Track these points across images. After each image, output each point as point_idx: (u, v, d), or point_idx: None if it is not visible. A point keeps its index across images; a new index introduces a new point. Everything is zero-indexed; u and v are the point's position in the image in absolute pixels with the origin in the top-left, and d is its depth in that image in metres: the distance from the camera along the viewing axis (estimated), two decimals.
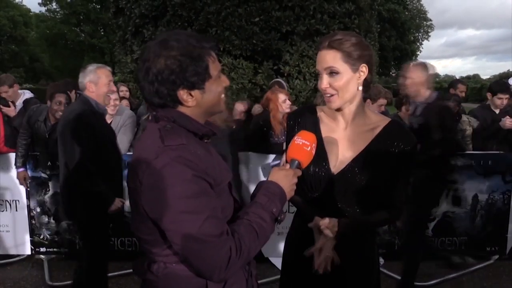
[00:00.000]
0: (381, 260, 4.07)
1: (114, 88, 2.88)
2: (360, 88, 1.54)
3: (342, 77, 1.49)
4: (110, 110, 4.03)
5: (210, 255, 1.13)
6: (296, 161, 1.39)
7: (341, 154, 1.59)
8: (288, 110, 3.91)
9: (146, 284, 1.31)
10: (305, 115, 1.69)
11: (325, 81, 1.51)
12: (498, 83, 4.79)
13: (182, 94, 1.23)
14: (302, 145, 1.39)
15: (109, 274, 3.72)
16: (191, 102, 1.25)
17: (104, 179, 2.77)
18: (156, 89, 1.21)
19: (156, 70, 1.19)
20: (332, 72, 1.49)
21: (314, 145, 1.41)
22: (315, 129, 1.62)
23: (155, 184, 1.15)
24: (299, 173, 1.40)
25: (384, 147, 1.56)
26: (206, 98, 1.27)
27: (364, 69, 1.52)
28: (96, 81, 2.83)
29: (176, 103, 1.25)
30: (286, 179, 1.35)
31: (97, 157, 2.74)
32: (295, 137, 1.42)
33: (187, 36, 1.24)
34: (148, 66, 1.20)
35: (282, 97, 3.99)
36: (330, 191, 1.57)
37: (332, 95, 1.52)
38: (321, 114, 1.68)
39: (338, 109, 1.58)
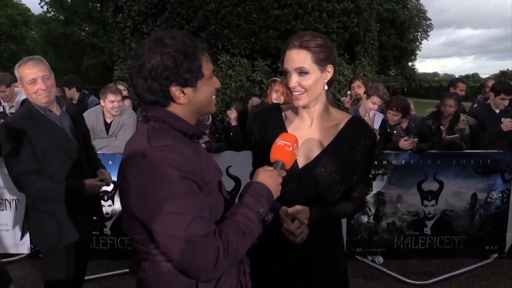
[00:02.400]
0: (380, 259, 4.09)
1: (42, 86, 2.40)
2: (326, 87, 1.61)
3: (311, 77, 1.55)
4: (113, 111, 4.05)
5: (197, 255, 1.13)
6: (280, 162, 1.42)
7: (307, 150, 1.64)
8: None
9: (139, 282, 1.33)
10: (270, 114, 1.74)
11: (294, 80, 1.56)
12: (502, 84, 4.76)
13: (175, 90, 1.23)
14: (284, 145, 1.42)
15: (109, 273, 3.76)
16: (183, 99, 1.26)
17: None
18: (149, 85, 1.22)
19: (150, 66, 1.20)
20: (302, 72, 1.54)
21: (296, 145, 1.44)
22: (281, 127, 1.68)
23: (142, 185, 1.16)
24: (284, 173, 1.43)
25: (347, 142, 1.63)
26: (197, 96, 1.28)
27: (330, 70, 1.58)
28: (20, 80, 2.45)
29: (168, 99, 1.25)
30: (271, 180, 1.37)
31: (38, 161, 2.41)
32: (277, 139, 1.45)
33: (182, 35, 1.25)
34: (142, 62, 1.21)
35: (276, 87, 4.02)
36: (297, 186, 1.62)
37: (300, 93, 1.57)
38: (286, 113, 1.73)
39: (304, 107, 1.64)
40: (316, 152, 1.63)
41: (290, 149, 1.42)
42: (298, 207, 1.55)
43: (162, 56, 1.20)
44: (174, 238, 1.13)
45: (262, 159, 1.52)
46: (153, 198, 1.14)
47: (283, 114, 1.73)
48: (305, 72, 1.54)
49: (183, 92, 1.25)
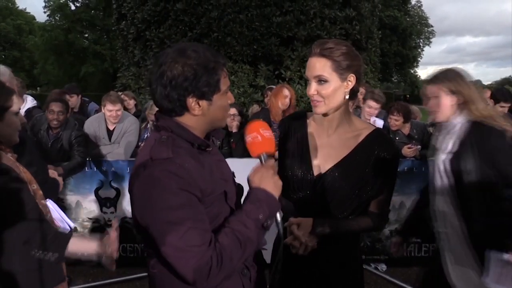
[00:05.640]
0: (383, 266, 4.07)
1: None
2: (347, 97, 1.57)
3: (330, 85, 1.53)
4: (112, 119, 4.08)
5: (190, 264, 1.17)
6: (261, 155, 1.40)
7: (324, 159, 1.63)
8: (283, 108, 4.05)
9: (149, 277, 1.40)
10: (295, 120, 1.76)
11: (312, 88, 1.55)
12: (502, 92, 4.77)
13: (191, 101, 1.28)
14: (252, 139, 1.41)
15: (111, 280, 3.73)
16: (197, 111, 1.29)
17: None
18: (168, 93, 1.26)
19: (171, 75, 1.25)
20: (321, 80, 1.53)
21: (261, 129, 1.41)
22: (302, 134, 1.69)
23: (143, 194, 1.23)
24: (272, 162, 1.41)
25: (366, 154, 1.59)
26: (211, 110, 1.32)
27: (352, 79, 1.55)
28: None
29: (184, 109, 1.30)
30: (266, 180, 1.36)
31: None
32: (245, 138, 1.44)
33: (204, 49, 1.30)
34: (164, 70, 1.25)
35: (285, 92, 4.10)
36: (311, 193, 1.62)
37: (318, 101, 1.56)
38: (310, 120, 1.73)
39: (325, 115, 1.62)
40: (332, 161, 1.60)
41: (260, 138, 1.40)
42: (299, 219, 1.55)
43: (183, 67, 1.24)
44: (170, 247, 1.17)
45: (283, 163, 1.55)
46: (151, 208, 1.20)
47: (307, 120, 1.73)
48: (324, 81, 1.52)
49: (198, 104, 1.29)
